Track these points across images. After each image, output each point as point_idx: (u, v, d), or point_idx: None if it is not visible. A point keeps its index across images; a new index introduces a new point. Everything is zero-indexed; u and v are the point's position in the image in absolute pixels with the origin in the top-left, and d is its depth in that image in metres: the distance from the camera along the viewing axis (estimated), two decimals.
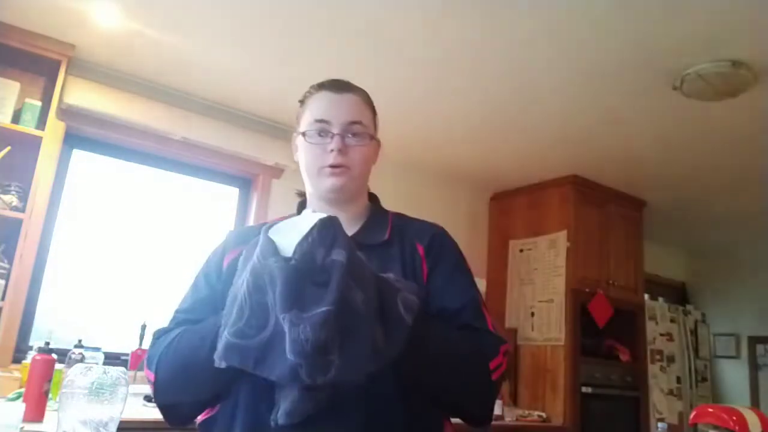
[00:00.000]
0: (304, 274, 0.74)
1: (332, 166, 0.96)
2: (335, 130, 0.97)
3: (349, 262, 0.75)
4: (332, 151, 0.96)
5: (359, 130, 0.99)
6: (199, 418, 0.94)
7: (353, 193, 1.02)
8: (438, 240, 1.02)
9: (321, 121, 0.98)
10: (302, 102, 1.06)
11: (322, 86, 1.03)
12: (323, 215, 0.78)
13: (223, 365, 0.76)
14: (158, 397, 0.90)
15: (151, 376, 0.89)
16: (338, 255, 0.75)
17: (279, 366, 0.72)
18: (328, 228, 0.77)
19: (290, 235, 0.77)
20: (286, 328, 0.71)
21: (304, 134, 0.99)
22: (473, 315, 0.95)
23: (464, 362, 0.88)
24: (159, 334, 0.94)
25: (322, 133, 0.98)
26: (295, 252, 0.75)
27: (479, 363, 0.89)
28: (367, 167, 1.03)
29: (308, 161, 0.99)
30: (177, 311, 0.97)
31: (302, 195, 1.11)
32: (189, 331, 0.90)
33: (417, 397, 0.88)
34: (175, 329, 0.92)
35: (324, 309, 0.71)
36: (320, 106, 1.00)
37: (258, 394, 0.83)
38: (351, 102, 1.01)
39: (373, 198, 1.09)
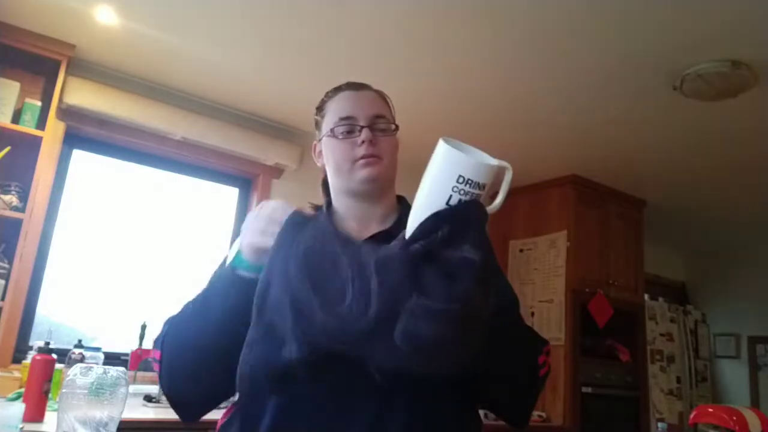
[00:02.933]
0: (424, 259, 0.71)
1: (365, 157, 0.97)
2: (362, 123, 0.99)
3: (483, 264, 0.71)
4: (363, 143, 0.97)
5: (384, 123, 1.02)
6: (219, 423, 0.93)
7: (386, 184, 1.03)
8: None
9: (347, 118, 1.00)
10: (320, 108, 1.07)
11: (339, 89, 1.06)
12: (505, 164, 0.74)
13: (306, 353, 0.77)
14: (166, 377, 0.91)
15: (158, 354, 0.90)
16: (470, 253, 0.70)
17: (384, 354, 0.73)
18: (465, 214, 0.72)
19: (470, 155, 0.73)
20: (404, 317, 0.70)
21: (332, 131, 1.00)
22: (518, 314, 0.99)
23: (516, 353, 0.91)
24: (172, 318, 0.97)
25: (350, 129, 0.99)
26: (415, 234, 0.72)
27: (529, 357, 0.92)
28: (395, 158, 1.04)
29: (339, 158, 0.99)
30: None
31: (317, 208, 1.12)
32: (194, 298, 0.94)
33: (468, 387, 0.90)
34: None
35: (448, 307, 0.69)
36: (343, 105, 1.02)
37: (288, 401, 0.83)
38: (372, 98, 1.04)
39: (401, 199, 1.10)
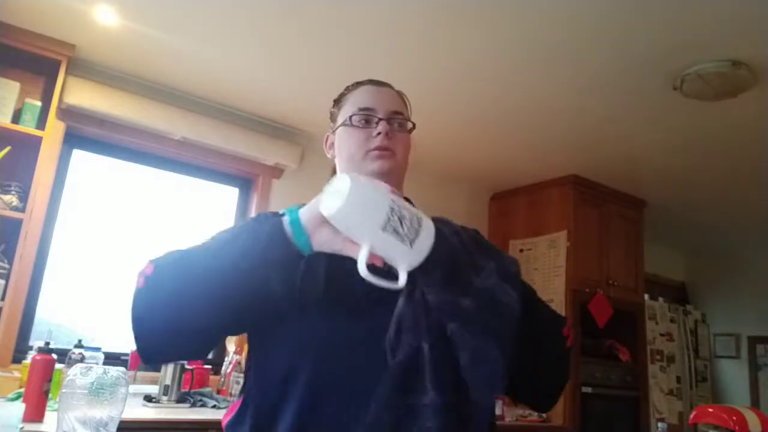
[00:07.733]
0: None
1: (379, 149, 0.97)
2: (381, 116, 0.99)
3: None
4: (379, 134, 0.97)
5: (401, 119, 1.02)
6: (225, 421, 0.93)
7: (396, 181, 1.01)
8: (481, 236, 1.07)
9: (366, 108, 1.00)
10: (337, 101, 1.08)
11: (360, 83, 1.07)
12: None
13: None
14: (145, 294, 0.85)
15: (150, 269, 0.86)
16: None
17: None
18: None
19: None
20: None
21: (350, 119, 1.00)
22: (538, 297, 1.03)
23: (547, 327, 0.97)
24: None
25: (368, 119, 1.00)
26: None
27: (557, 329, 0.97)
28: (407, 157, 1.04)
29: (353, 147, 0.99)
30: None
31: None
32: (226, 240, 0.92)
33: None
34: None
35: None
36: (364, 97, 1.03)
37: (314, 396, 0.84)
38: (392, 95, 1.06)
39: (408, 201, 1.09)
